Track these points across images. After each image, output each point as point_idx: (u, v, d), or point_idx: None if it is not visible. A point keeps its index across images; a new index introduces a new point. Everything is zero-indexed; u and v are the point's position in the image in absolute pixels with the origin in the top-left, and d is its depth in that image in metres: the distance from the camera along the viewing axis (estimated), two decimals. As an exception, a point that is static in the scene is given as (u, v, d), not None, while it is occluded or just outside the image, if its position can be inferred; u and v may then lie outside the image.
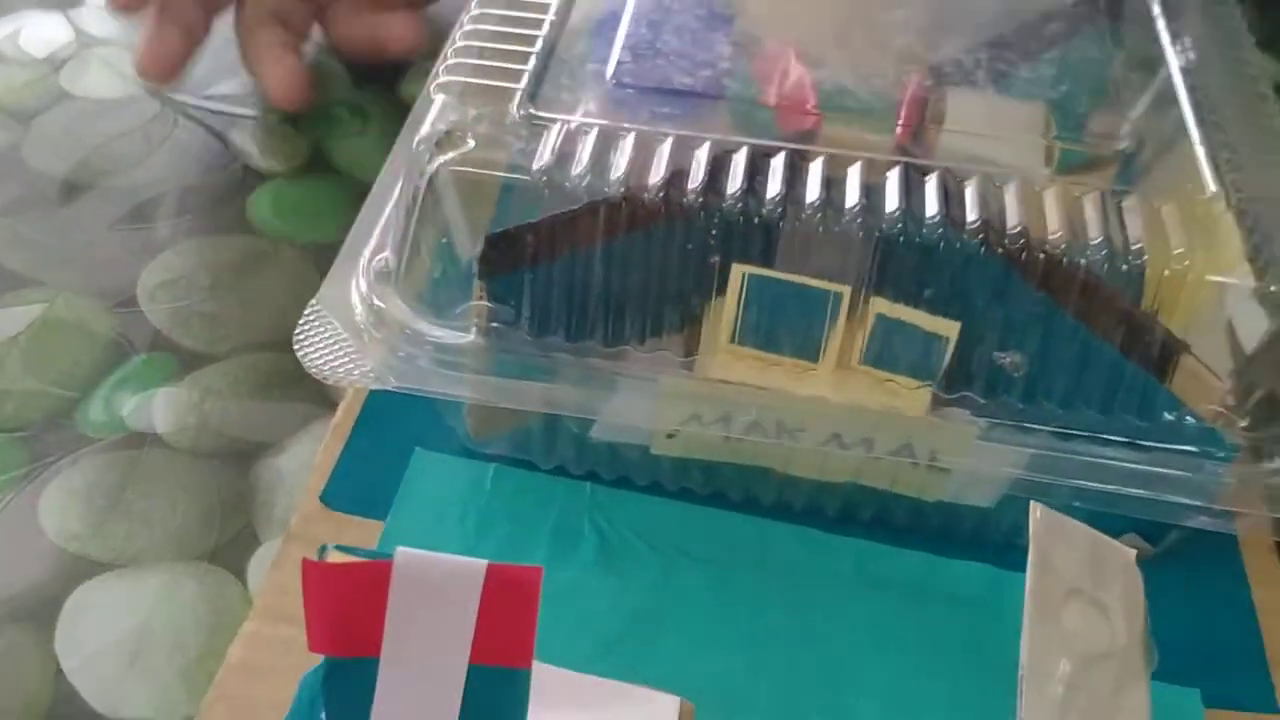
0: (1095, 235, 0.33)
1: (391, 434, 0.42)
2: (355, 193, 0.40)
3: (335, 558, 0.24)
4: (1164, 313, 0.34)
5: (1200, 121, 0.38)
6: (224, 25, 0.59)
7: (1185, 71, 0.40)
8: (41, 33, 0.62)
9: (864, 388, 0.36)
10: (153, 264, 0.49)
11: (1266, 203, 0.36)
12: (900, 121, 0.38)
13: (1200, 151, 0.37)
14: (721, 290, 0.35)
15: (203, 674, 0.36)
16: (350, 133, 0.56)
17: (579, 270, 0.34)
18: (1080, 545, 0.25)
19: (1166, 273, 0.33)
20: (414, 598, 0.24)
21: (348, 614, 0.24)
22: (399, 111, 0.45)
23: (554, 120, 0.35)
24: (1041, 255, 0.33)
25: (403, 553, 0.23)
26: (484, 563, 0.24)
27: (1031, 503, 0.25)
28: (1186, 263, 0.33)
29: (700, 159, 0.34)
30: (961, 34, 0.42)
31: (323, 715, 0.25)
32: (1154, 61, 0.41)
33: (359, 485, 0.40)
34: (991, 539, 0.40)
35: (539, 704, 0.25)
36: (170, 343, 0.46)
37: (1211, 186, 0.36)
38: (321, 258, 0.49)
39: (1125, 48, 0.42)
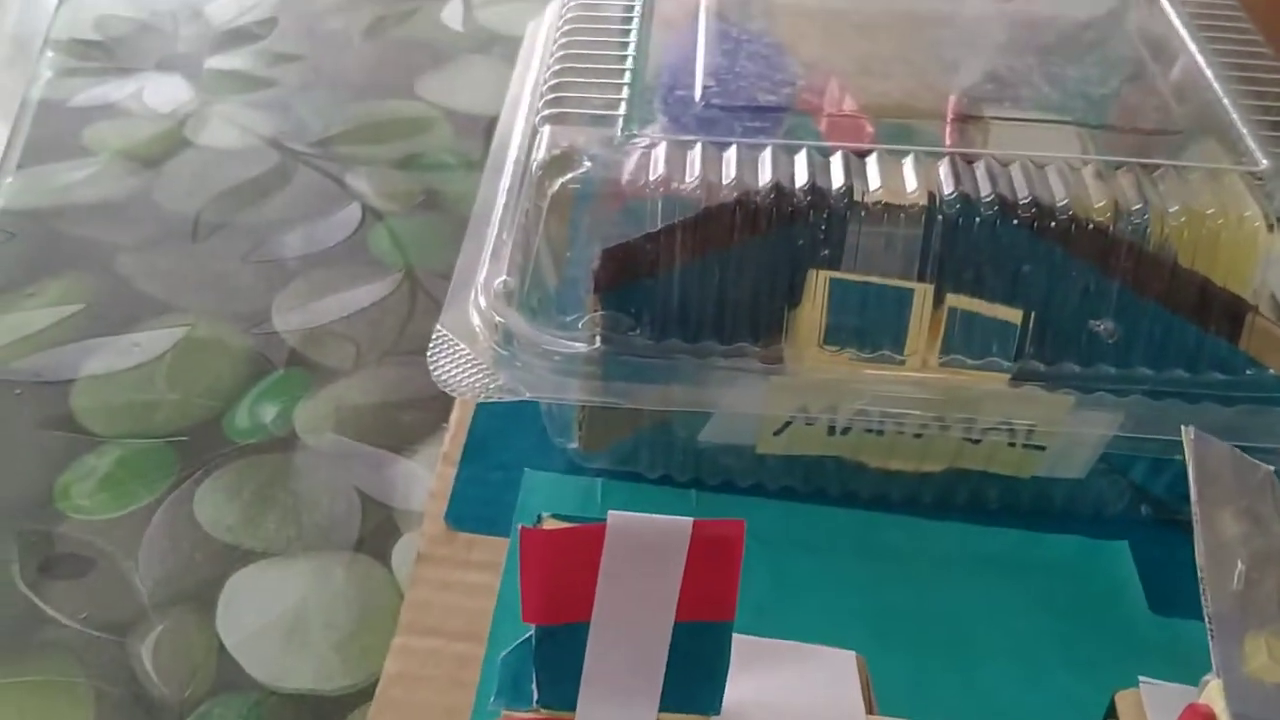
0: (1172, 207, 0.33)
1: (498, 457, 0.41)
2: (464, 226, 0.42)
3: (551, 524, 0.24)
4: (1233, 278, 0.35)
5: (1237, 106, 0.38)
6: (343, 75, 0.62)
7: (1212, 64, 0.40)
8: (163, 91, 0.64)
9: (951, 375, 0.36)
10: (283, 291, 0.50)
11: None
12: (948, 124, 0.38)
13: (1245, 131, 0.37)
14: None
15: (356, 648, 0.36)
16: (457, 175, 0.58)
17: (694, 276, 0.34)
18: (1227, 462, 0.26)
19: (1238, 238, 0.33)
20: (625, 558, 0.23)
21: (560, 580, 0.23)
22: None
23: (659, 139, 0.35)
24: (1123, 242, 0.33)
25: (615, 515, 0.23)
26: (690, 520, 0.24)
27: (1183, 427, 0.26)
28: (1256, 225, 0.33)
29: (801, 164, 0.34)
30: (1003, 49, 0.43)
31: (533, 685, 0.25)
32: (1182, 58, 0.41)
33: (477, 505, 0.39)
34: (1081, 512, 0.39)
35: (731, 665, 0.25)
36: (305, 360, 0.47)
37: (1263, 161, 0.36)
38: (434, 283, 0.51)
39: (1153, 48, 0.42)
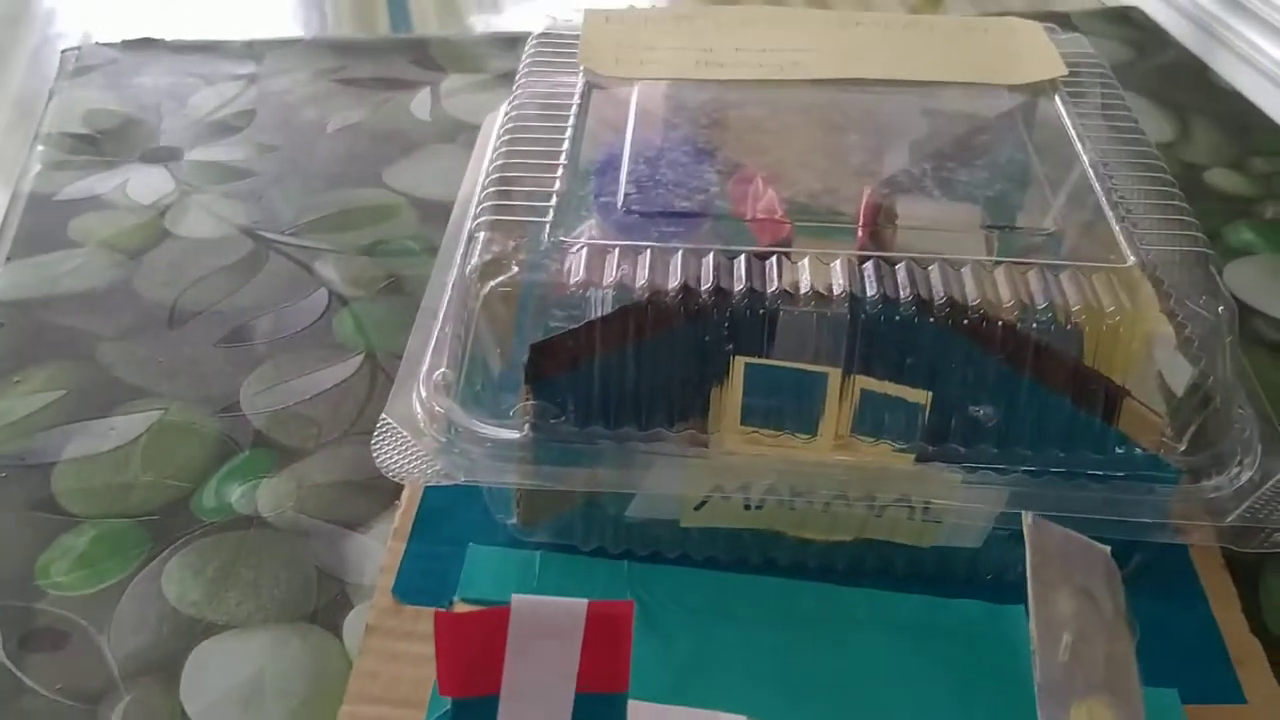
0: (1041, 304, 0.36)
1: (445, 532, 0.44)
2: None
3: (461, 608, 0.27)
4: (1104, 364, 0.38)
5: (1113, 204, 0.42)
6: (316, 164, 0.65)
7: (1095, 164, 0.44)
8: (146, 182, 0.67)
9: (858, 453, 0.39)
10: (252, 375, 0.53)
11: (1171, 267, 0.40)
12: (860, 225, 0.42)
13: (1117, 229, 0.40)
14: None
15: (308, 715, 0.38)
16: (419, 260, 0.60)
17: (613, 368, 0.37)
18: (1064, 544, 0.29)
19: (1103, 330, 0.37)
20: (528, 636, 0.26)
21: (472, 657, 0.26)
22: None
23: (580, 244, 0.38)
24: (998, 326, 0.37)
25: (518, 598, 0.26)
26: (585, 601, 0.26)
27: (1023, 513, 0.29)
28: (1119, 319, 0.37)
29: (707, 266, 0.37)
30: (906, 150, 0.46)
31: (450, 752, 0.28)
32: (1068, 158, 0.45)
33: (424, 579, 0.42)
34: (980, 578, 0.42)
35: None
36: (269, 440, 0.49)
37: (1130, 257, 0.39)
38: (393, 365, 0.51)
39: (1042, 149, 0.46)
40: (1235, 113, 0.77)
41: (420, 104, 0.75)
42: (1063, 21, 0.66)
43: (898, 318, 0.36)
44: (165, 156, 0.70)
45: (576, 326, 0.37)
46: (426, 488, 0.45)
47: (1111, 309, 0.36)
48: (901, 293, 0.37)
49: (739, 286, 0.37)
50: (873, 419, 0.38)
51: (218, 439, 0.50)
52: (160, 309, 0.57)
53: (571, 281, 0.37)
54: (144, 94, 0.77)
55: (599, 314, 0.37)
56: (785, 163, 0.45)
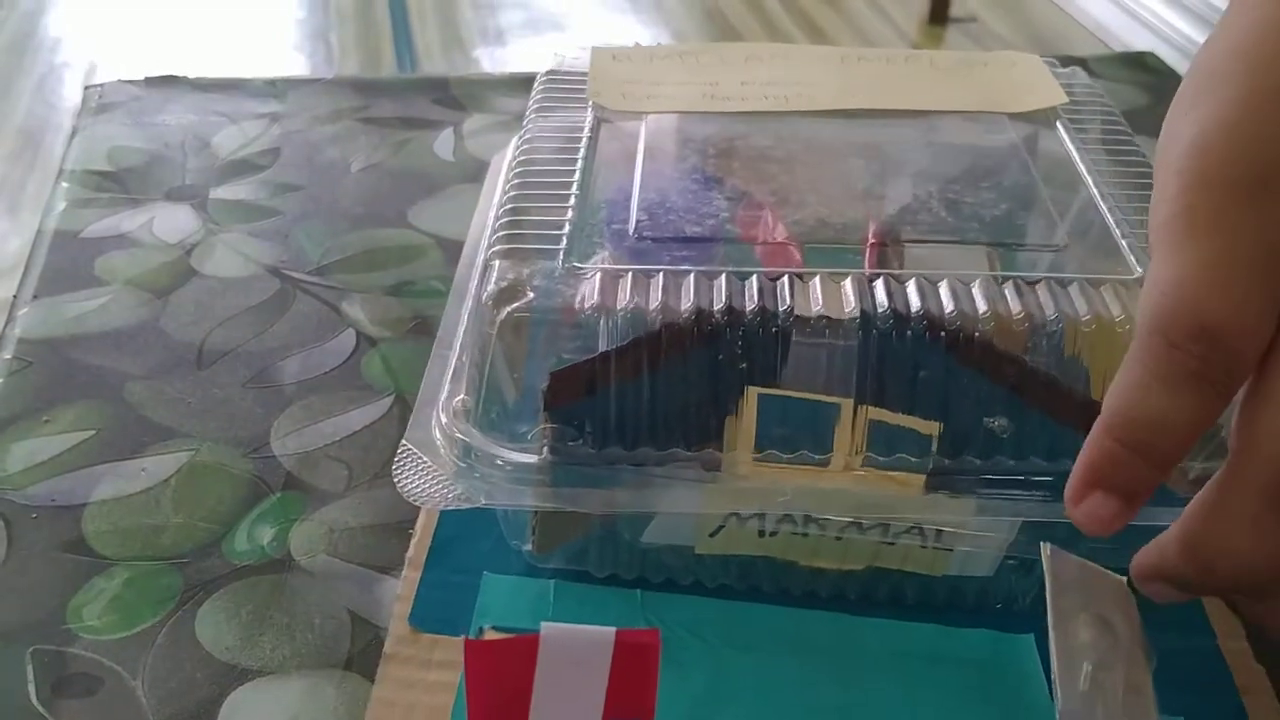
0: (1051, 315, 0.36)
1: (460, 561, 0.43)
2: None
3: (491, 635, 0.26)
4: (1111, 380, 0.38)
5: (1117, 222, 0.42)
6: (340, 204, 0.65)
7: (1098, 185, 0.44)
8: (171, 221, 0.66)
9: (870, 482, 0.38)
10: (282, 416, 0.52)
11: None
12: (866, 250, 0.41)
13: (1123, 244, 0.40)
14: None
15: None
16: (445, 302, 0.59)
17: (629, 393, 0.37)
18: (1080, 573, 0.28)
19: (1114, 340, 0.37)
20: (557, 664, 0.25)
21: (501, 684, 0.25)
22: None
23: (595, 270, 0.38)
24: (1004, 357, 0.36)
25: (547, 626, 0.25)
26: (613, 630, 0.26)
27: (1041, 543, 0.28)
28: (1129, 328, 0.36)
29: (719, 288, 0.37)
30: (910, 177, 0.46)
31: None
32: (1072, 180, 0.45)
33: (439, 607, 0.42)
34: (990, 607, 0.41)
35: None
36: (300, 482, 0.49)
37: (1137, 269, 0.39)
38: None
39: (1046, 172, 0.46)
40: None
41: (443, 144, 0.76)
42: (1078, 66, 0.66)
43: (909, 332, 0.36)
44: (190, 195, 0.70)
45: (593, 356, 0.37)
46: (441, 516, 0.44)
47: (1121, 318, 0.36)
48: (912, 307, 0.36)
49: (751, 306, 0.36)
50: (883, 444, 0.38)
51: (249, 481, 0.49)
52: (188, 348, 0.57)
53: (586, 306, 0.37)
54: (167, 132, 0.77)
55: (612, 338, 0.37)
56: (791, 191, 0.45)
